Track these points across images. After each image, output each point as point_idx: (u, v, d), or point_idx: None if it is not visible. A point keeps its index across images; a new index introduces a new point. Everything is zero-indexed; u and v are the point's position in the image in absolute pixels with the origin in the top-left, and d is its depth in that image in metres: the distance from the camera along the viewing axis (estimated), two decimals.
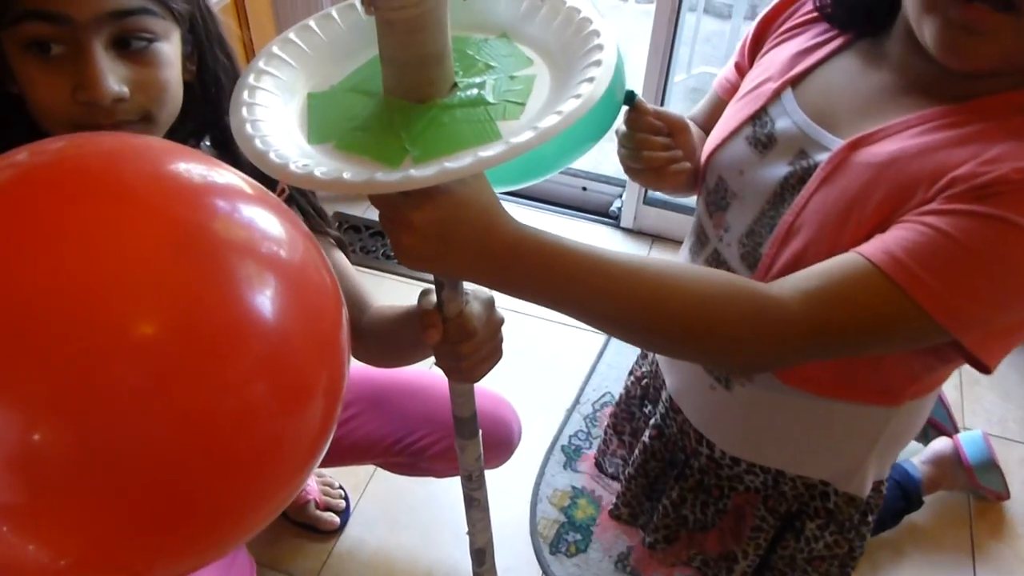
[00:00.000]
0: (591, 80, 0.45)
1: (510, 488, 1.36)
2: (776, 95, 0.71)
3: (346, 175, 0.44)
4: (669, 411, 0.87)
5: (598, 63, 0.46)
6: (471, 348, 0.61)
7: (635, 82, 1.75)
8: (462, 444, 0.73)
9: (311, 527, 1.29)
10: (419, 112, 0.49)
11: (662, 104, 1.73)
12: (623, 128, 0.79)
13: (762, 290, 0.57)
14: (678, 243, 1.88)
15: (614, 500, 1.00)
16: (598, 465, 1.13)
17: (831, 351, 0.60)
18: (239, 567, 1.01)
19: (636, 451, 0.94)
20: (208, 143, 0.73)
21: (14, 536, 0.38)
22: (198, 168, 0.45)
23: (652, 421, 0.90)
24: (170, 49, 0.61)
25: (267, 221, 0.45)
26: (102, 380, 0.36)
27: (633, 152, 0.78)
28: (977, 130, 0.58)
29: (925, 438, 1.38)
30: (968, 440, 1.35)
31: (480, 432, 0.74)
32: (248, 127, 0.47)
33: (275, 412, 0.42)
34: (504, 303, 0.59)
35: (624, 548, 1.27)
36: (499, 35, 0.55)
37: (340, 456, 1.08)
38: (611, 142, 0.82)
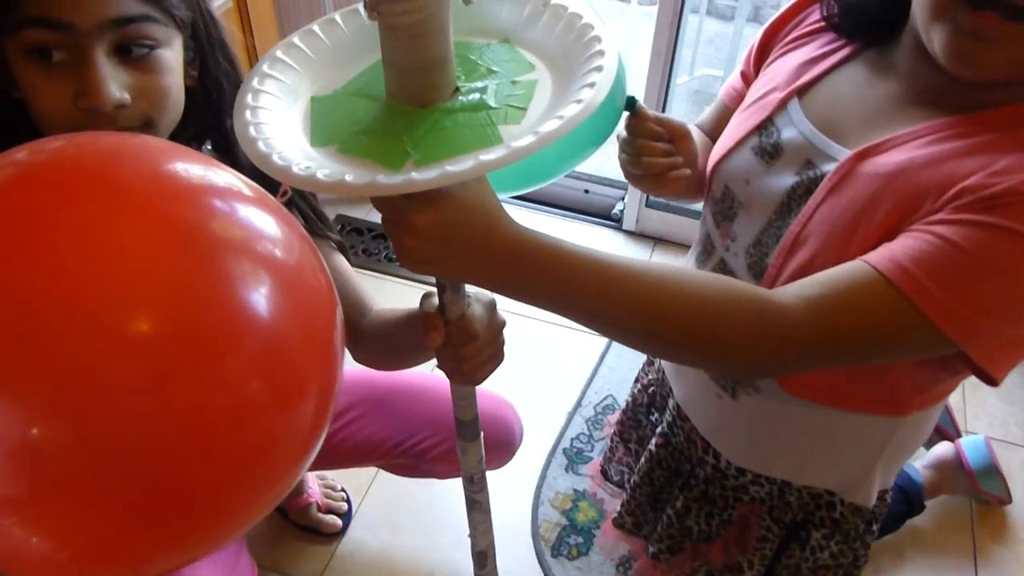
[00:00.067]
0: (592, 85, 0.46)
1: (512, 491, 1.36)
2: (782, 105, 0.70)
3: (348, 177, 0.44)
4: (676, 419, 0.86)
5: (599, 69, 0.47)
6: (473, 351, 0.61)
7: (637, 84, 1.75)
8: (464, 446, 0.74)
9: (313, 530, 1.29)
10: (421, 116, 0.49)
11: (664, 106, 1.73)
12: (624, 133, 0.79)
13: (765, 296, 0.57)
14: (680, 246, 1.88)
15: (618, 508, 1.00)
16: (603, 473, 1.12)
17: (833, 359, 0.60)
18: (241, 569, 1.01)
19: (642, 459, 0.93)
20: (209, 147, 0.73)
21: (17, 528, 0.39)
22: (196, 168, 0.45)
23: (659, 429, 0.90)
24: (172, 55, 0.62)
25: (264, 221, 0.45)
26: (100, 377, 0.37)
27: (633, 158, 0.78)
28: (985, 141, 0.57)
29: (927, 442, 1.38)
30: (970, 445, 1.35)
31: (482, 434, 0.74)
32: (252, 130, 0.48)
33: (270, 409, 0.42)
34: (506, 306, 0.59)
35: (626, 551, 1.27)
36: (501, 40, 0.55)
37: (342, 458, 1.08)
38: (614, 145, 0.82)
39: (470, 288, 0.60)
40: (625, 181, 0.82)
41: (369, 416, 1.07)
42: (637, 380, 1.02)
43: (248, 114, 0.49)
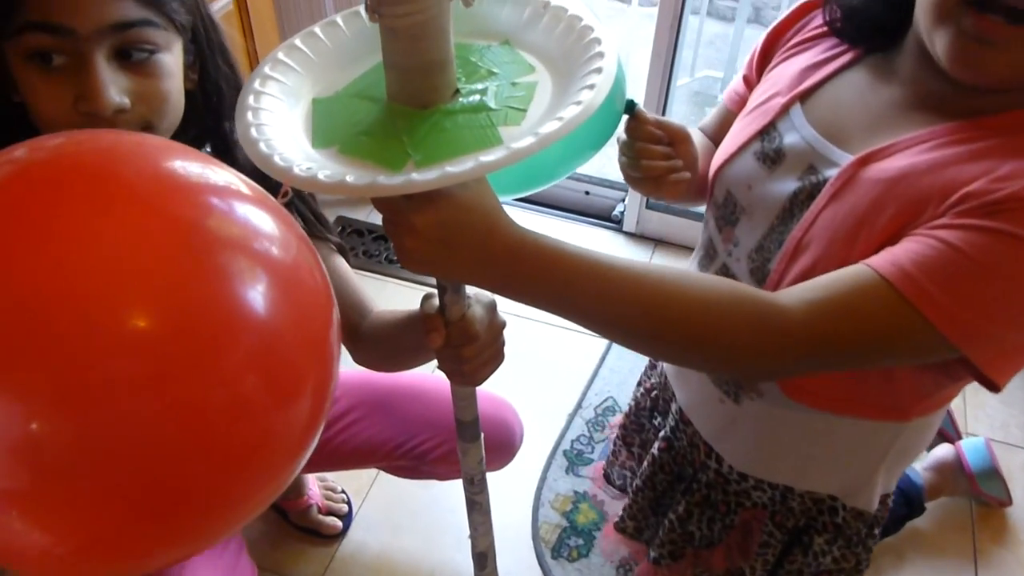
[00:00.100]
0: (592, 87, 0.46)
1: (512, 492, 1.36)
2: (785, 110, 0.70)
3: (349, 178, 0.45)
4: (679, 423, 0.86)
5: (599, 70, 0.47)
6: (473, 351, 0.61)
7: (638, 85, 1.75)
8: (464, 447, 0.74)
9: (314, 532, 1.29)
10: (422, 117, 0.50)
11: (665, 107, 1.73)
12: (623, 136, 0.79)
13: (765, 297, 0.57)
14: (681, 247, 1.89)
15: (620, 512, 1.00)
16: (606, 476, 1.12)
17: (834, 362, 0.59)
18: (241, 571, 1.01)
19: (644, 463, 0.93)
20: (209, 150, 0.74)
21: (18, 523, 0.39)
22: (195, 166, 0.45)
23: (662, 433, 0.90)
24: (172, 60, 0.62)
25: (261, 220, 0.46)
26: (100, 373, 0.37)
27: (633, 161, 0.77)
28: (988, 146, 0.57)
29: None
30: (970, 447, 1.35)
31: (482, 436, 0.74)
32: (253, 131, 0.48)
33: (266, 406, 0.43)
34: (506, 307, 0.60)
35: (626, 553, 1.27)
36: (502, 42, 0.56)
37: (343, 460, 1.09)
38: (615, 146, 0.82)
39: (470, 289, 0.61)
40: (626, 183, 0.82)
41: (370, 418, 1.07)
42: (640, 384, 1.02)
43: (250, 115, 0.49)
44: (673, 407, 0.88)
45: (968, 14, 0.55)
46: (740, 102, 0.81)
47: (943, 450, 1.36)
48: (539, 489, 1.38)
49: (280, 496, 1.16)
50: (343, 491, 1.34)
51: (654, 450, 0.90)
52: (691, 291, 0.55)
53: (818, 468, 0.77)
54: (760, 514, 0.82)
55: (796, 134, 0.68)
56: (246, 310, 0.42)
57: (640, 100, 0.77)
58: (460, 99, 0.51)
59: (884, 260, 0.56)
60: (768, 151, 0.70)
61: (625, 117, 0.77)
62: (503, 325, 0.64)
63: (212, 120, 0.71)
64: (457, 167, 0.44)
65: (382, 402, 1.08)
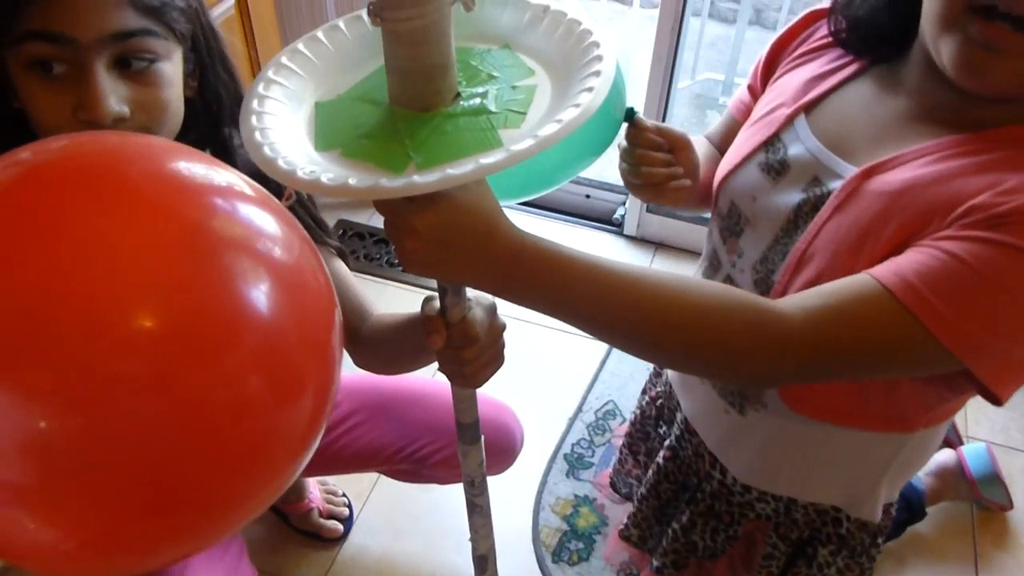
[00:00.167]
0: (590, 90, 0.46)
1: (512, 496, 1.36)
2: (789, 121, 0.70)
3: (352, 181, 0.45)
4: (684, 433, 0.86)
5: (597, 73, 0.47)
6: (474, 353, 0.61)
7: (639, 88, 1.75)
8: (464, 450, 0.74)
9: (315, 535, 1.29)
10: (423, 120, 0.50)
11: (666, 109, 1.73)
12: (624, 143, 0.79)
13: (765, 304, 0.56)
14: (681, 251, 1.89)
15: (625, 520, 1.00)
16: (612, 485, 1.12)
17: (834, 370, 0.59)
18: (241, 575, 1.01)
19: (650, 472, 0.93)
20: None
21: (27, 519, 0.40)
22: (199, 167, 0.46)
23: (667, 442, 0.89)
24: (171, 69, 0.62)
25: (265, 221, 0.46)
26: (106, 372, 0.38)
27: (633, 167, 0.77)
28: (993, 159, 0.57)
29: None
30: (972, 453, 1.34)
31: (482, 438, 0.74)
32: (258, 135, 0.48)
33: (269, 405, 0.43)
34: (507, 310, 0.60)
35: (627, 558, 1.27)
36: (502, 46, 0.56)
37: (344, 464, 1.09)
38: (615, 149, 0.83)
39: (471, 292, 0.61)
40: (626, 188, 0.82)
41: (371, 422, 1.07)
42: (645, 391, 1.01)
43: (254, 119, 0.50)
44: (678, 416, 0.87)
45: (974, 21, 0.54)
46: (745, 111, 0.81)
47: (944, 455, 1.36)
48: (539, 493, 1.38)
49: (281, 499, 1.16)
50: (344, 494, 1.34)
51: (659, 459, 0.90)
52: (691, 296, 0.55)
53: (822, 480, 0.77)
54: (764, 526, 0.82)
55: (800, 145, 0.68)
56: (250, 310, 0.42)
57: (641, 102, 0.78)
58: (461, 102, 0.51)
59: (887, 270, 0.56)
60: (772, 162, 0.70)
61: (625, 124, 0.78)
62: (503, 327, 0.65)
63: (211, 126, 0.71)
64: (458, 169, 0.44)
65: (383, 406, 1.08)
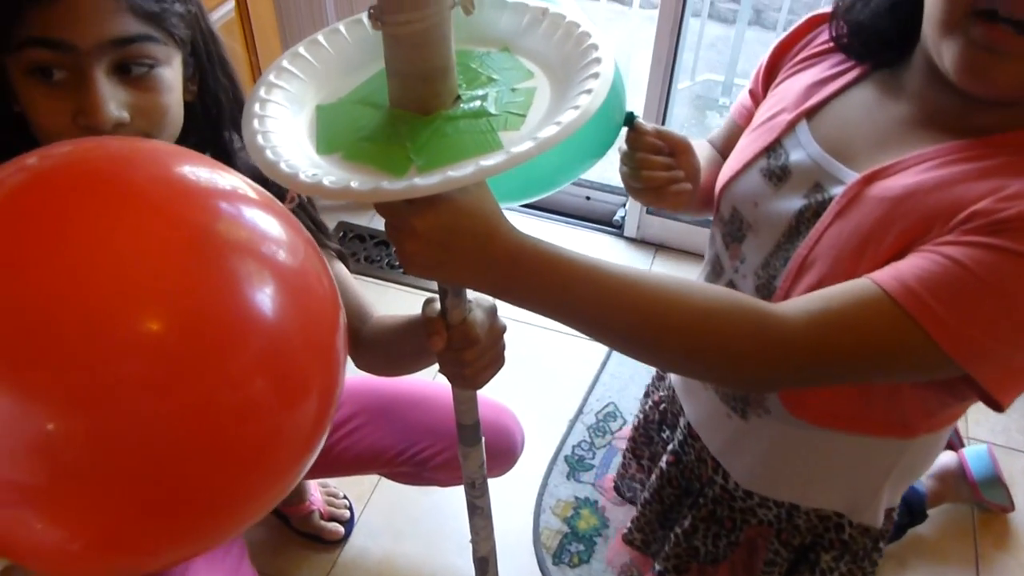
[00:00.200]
0: (589, 92, 0.47)
1: (513, 498, 1.36)
2: (791, 127, 0.70)
3: (353, 183, 0.45)
4: (687, 438, 0.86)
5: (596, 76, 0.48)
6: (474, 355, 0.62)
7: (638, 89, 1.75)
8: (465, 451, 0.74)
9: (315, 537, 1.29)
10: (424, 123, 0.50)
11: (666, 110, 1.73)
12: (624, 147, 0.79)
13: (765, 308, 0.56)
14: (682, 253, 1.89)
15: (624, 521, 0.99)
16: (616, 489, 1.12)
17: (834, 374, 0.59)
18: None
19: (653, 476, 0.93)
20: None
21: (34, 519, 0.40)
22: (204, 171, 0.46)
23: (670, 447, 0.89)
24: (171, 74, 0.63)
25: (270, 225, 0.46)
26: (113, 375, 0.38)
27: (633, 171, 0.77)
28: (996, 165, 0.57)
29: None
30: (973, 455, 1.34)
31: (483, 439, 0.74)
32: (260, 138, 0.49)
33: (274, 407, 0.44)
34: (507, 312, 0.60)
35: (628, 560, 1.27)
36: (501, 48, 0.56)
37: (344, 466, 1.09)
38: (615, 151, 0.83)
39: (471, 294, 0.61)
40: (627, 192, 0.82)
41: (371, 425, 1.07)
42: (648, 395, 1.01)
43: (256, 123, 0.50)
44: (681, 421, 0.87)
45: (977, 24, 0.55)
46: (747, 116, 0.81)
47: (945, 457, 1.36)
48: (540, 495, 1.38)
49: (282, 502, 1.17)
50: (345, 497, 1.35)
51: (662, 463, 0.90)
52: (691, 299, 0.55)
53: (824, 485, 0.77)
54: (766, 531, 0.82)
55: (802, 151, 0.68)
56: (255, 313, 0.42)
57: (641, 103, 0.78)
58: (461, 105, 0.52)
59: (888, 275, 0.56)
60: (774, 168, 0.70)
61: (625, 128, 0.78)
62: (504, 329, 0.65)
63: (211, 130, 0.72)
64: (458, 171, 0.45)
65: (384, 409, 1.08)
